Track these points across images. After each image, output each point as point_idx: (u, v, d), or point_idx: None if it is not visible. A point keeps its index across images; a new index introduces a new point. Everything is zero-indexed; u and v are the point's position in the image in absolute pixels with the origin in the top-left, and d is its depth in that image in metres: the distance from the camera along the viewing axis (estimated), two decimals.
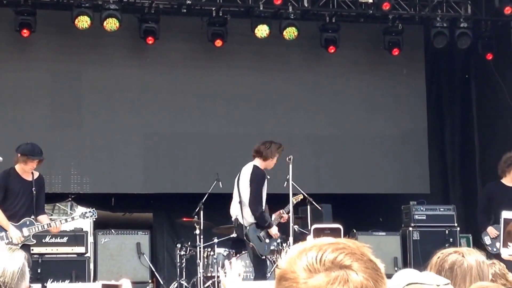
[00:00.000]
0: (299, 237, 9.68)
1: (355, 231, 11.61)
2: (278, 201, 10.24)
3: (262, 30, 12.15)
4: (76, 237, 10.81)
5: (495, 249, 9.54)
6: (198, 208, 10.10)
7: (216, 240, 10.25)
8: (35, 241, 8.84)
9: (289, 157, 9.64)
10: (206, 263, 10.08)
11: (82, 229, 11.05)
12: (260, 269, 9.78)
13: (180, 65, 12.70)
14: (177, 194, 12.30)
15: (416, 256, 11.51)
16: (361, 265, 1.65)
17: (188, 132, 12.56)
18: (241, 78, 12.93)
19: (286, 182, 9.69)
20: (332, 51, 12.66)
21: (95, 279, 10.70)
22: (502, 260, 4.53)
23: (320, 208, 10.73)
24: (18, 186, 8.74)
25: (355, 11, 12.71)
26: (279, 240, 10.57)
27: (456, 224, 11.96)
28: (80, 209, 12.49)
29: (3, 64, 12.07)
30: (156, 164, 12.42)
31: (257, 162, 9.78)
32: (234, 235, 10.04)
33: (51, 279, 9.09)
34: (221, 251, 10.15)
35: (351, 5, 12.59)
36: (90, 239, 11.29)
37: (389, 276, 1.89)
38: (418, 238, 11.71)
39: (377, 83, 13.32)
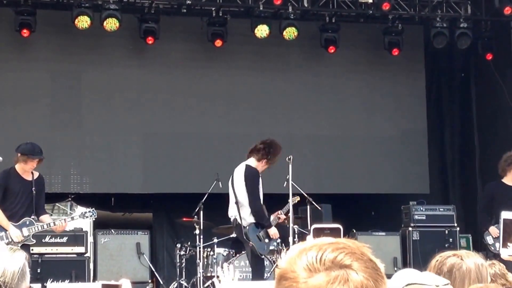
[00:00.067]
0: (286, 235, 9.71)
1: (354, 231, 11.61)
2: (278, 201, 10.25)
3: (262, 30, 12.15)
4: (76, 237, 10.81)
5: (497, 249, 9.54)
6: (198, 208, 10.10)
7: (215, 240, 10.26)
8: (34, 241, 8.84)
9: (289, 157, 9.64)
10: (205, 263, 10.08)
11: (82, 229, 11.05)
12: (258, 270, 9.79)
13: (180, 65, 12.70)
14: (177, 194, 12.30)
15: (415, 256, 11.51)
16: (361, 265, 1.65)
17: (188, 132, 12.56)
18: (241, 78, 12.93)
19: (286, 182, 9.70)
20: (332, 51, 12.66)
21: (95, 279, 10.70)
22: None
23: (320, 208, 10.73)
24: (18, 186, 8.74)
25: (355, 11, 12.72)
26: (278, 240, 10.58)
27: (455, 224, 11.96)
28: (80, 209, 12.47)
29: (3, 64, 12.07)
30: (156, 164, 12.43)
31: (250, 161, 9.80)
32: (233, 235, 10.05)
33: (51, 279, 9.09)
34: (220, 251, 10.15)
35: (351, 5, 12.59)
36: (90, 239, 11.29)
37: (389, 276, 1.90)
38: (418, 238, 11.72)
39: (377, 83, 13.32)
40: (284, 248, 10.00)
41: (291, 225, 9.70)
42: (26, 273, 2.92)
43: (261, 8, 12.11)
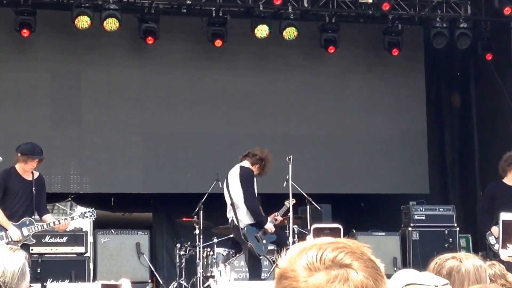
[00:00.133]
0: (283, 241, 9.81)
1: (354, 231, 11.61)
2: (277, 201, 10.26)
3: (262, 30, 12.16)
4: (76, 237, 10.81)
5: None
6: (197, 208, 10.11)
7: (215, 240, 10.27)
8: (34, 241, 8.84)
9: (289, 157, 9.67)
10: (205, 263, 10.08)
11: (81, 229, 11.05)
12: (256, 270, 9.82)
13: (180, 65, 12.70)
14: (177, 194, 12.30)
15: (415, 256, 11.51)
16: (361, 264, 1.65)
17: (188, 132, 12.57)
18: (241, 78, 12.94)
19: (285, 182, 9.71)
20: (332, 51, 12.67)
21: (94, 279, 10.70)
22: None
23: (319, 208, 10.74)
24: (18, 185, 8.74)
25: (355, 12, 12.72)
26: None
27: (455, 224, 11.95)
28: (80, 209, 12.48)
29: (3, 64, 12.07)
30: (156, 164, 12.43)
31: (245, 163, 9.87)
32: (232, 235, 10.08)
33: (51, 279, 9.09)
34: (220, 251, 10.16)
35: (351, 5, 12.60)
36: (90, 239, 11.30)
37: (388, 276, 1.90)
38: (418, 238, 11.72)
39: (376, 83, 13.33)
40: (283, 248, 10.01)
41: (291, 225, 9.72)
42: (26, 273, 2.92)
43: (261, 8, 12.12)
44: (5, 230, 8.57)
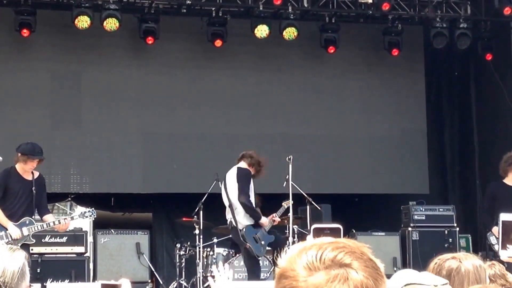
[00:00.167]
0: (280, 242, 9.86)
1: (354, 231, 11.61)
2: (277, 201, 10.27)
3: (261, 30, 12.16)
4: (76, 237, 10.81)
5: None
6: (197, 208, 10.11)
7: (215, 240, 10.27)
8: (34, 241, 8.84)
9: (289, 157, 9.68)
10: (205, 263, 10.09)
11: (81, 229, 11.05)
12: (254, 271, 9.84)
13: (180, 65, 12.70)
14: (177, 194, 12.31)
15: (415, 256, 11.51)
16: (361, 264, 1.66)
17: (187, 132, 12.57)
18: (241, 78, 12.94)
19: (285, 182, 9.72)
20: (332, 51, 12.67)
21: (94, 279, 10.70)
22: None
23: (319, 208, 10.75)
24: (18, 185, 8.73)
25: (354, 12, 12.72)
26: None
27: (455, 224, 11.94)
28: (80, 209, 12.47)
29: (3, 64, 12.07)
30: (156, 164, 12.42)
31: (242, 164, 9.92)
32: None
33: (51, 279, 9.09)
34: (220, 251, 10.17)
35: (351, 6, 12.60)
36: (90, 239, 11.29)
37: (388, 276, 1.90)
38: (417, 238, 11.71)
39: (376, 83, 13.32)
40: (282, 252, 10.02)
41: (290, 225, 9.73)
42: (26, 273, 2.92)
43: (261, 8, 12.12)
44: (5, 229, 8.57)
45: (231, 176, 9.92)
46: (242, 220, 9.83)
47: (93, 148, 12.23)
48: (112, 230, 11.44)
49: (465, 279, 3.50)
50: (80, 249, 10.80)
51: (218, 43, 12.26)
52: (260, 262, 10.14)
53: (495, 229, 9.97)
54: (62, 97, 12.24)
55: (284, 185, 9.75)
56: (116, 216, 13.38)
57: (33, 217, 8.76)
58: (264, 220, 9.87)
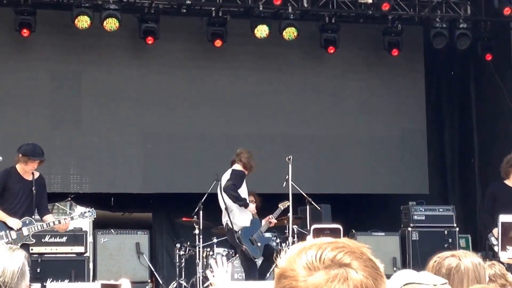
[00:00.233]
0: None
1: (354, 231, 11.61)
2: (277, 201, 10.28)
3: (261, 30, 12.16)
4: (76, 237, 10.81)
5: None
6: (197, 208, 10.11)
7: (215, 240, 10.28)
8: (34, 241, 8.83)
9: (289, 157, 9.68)
10: (205, 263, 10.09)
11: (81, 228, 11.05)
12: (251, 272, 9.86)
13: (180, 65, 12.70)
14: (177, 194, 12.31)
15: (415, 256, 11.51)
16: (361, 264, 1.66)
17: (187, 132, 12.57)
18: (241, 78, 12.94)
19: (285, 182, 9.72)
20: (332, 51, 12.67)
21: (94, 279, 10.71)
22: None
23: (319, 208, 10.75)
24: (18, 185, 8.73)
25: (354, 12, 12.72)
26: (278, 240, 10.61)
27: (455, 225, 11.95)
28: (79, 209, 12.47)
29: (3, 64, 12.07)
30: (156, 164, 12.43)
31: (236, 166, 9.93)
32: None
33: (51, 279, 9.08)
34: (220, 251, 10.17)
35: (351, 6, 12.60)
36: (90, 238, 11.29)
37: (388, 276, 1.90)
38: (417, 238, 11.71)
39: (376, 83, 13.33)
40: (284, 247, 10.04)
41: (290, 225, 9.74)
42: (25, 273, 2.93)
43: (260, 8, 12.12)
44: (5, 229, 8.56)
45: (226, 179, 9.96)
46: (239, 221, 9.86)
47: (93, 148, 12.23)
48: (112, 230, 11.44)
49: (465, 277, 3.50)
50: (80, 249, 10.80)
51: (218, 43, 12.26)
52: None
53: (495, 230, 9.97)
54: (62, 97, 12.24)
55: (284, 185, 9.75)
56: (116, 216, 13.39)
57: (33, 217, 8.76)
58: (251, 208, 9.90)
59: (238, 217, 9.86)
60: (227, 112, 12.75)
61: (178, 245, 10.69)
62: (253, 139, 12.38)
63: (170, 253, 12.17)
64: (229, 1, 12.38)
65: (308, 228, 9.79)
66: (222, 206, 9.92)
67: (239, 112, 12.80)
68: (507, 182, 9.98)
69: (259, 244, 9.92)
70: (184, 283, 10.43)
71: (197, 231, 10.13)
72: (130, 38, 12.32)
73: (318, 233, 7.88)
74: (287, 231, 10.06)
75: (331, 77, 13.22)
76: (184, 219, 10.58)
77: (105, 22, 11.58)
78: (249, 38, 12.36)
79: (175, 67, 12.68)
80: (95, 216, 9.21)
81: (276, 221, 10.21)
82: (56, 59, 12.27)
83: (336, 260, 1.65)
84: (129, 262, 11.36)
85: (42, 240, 10.35)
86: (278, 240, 10.65)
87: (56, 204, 14.09)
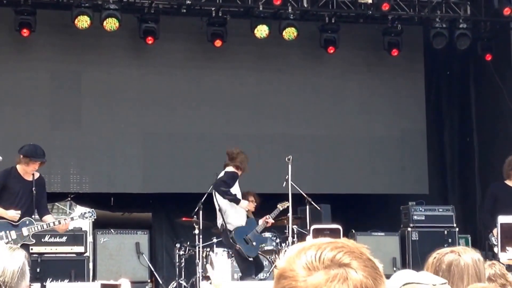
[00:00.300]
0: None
1: (354, 231, 11.61)
2: (277, 201, 10.28)
3: (261, 31, 12.16)
4: (75, 237, 10.81)
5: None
6: (197, 208, 10.11)
7: (215, 240, 10.29)
8: (34, 241, 8.83)
9: (289, 157, 9.68)
10: (205, 263, 10.09)
11: (81, 228, 11.05)
12: (247, 272, 9.86)
13: (180, 65, 12.70)
14: (176, 194, 12.31)
15: (414, 256, 11.51)
16: (360, 264, 1.66)
17: (187, 132, 12.57)
18: (241, 78, 12.94)
19: (285, 182, 9.72)
20: (332, 51, 12.67)
21: (94, 279, 10.71)
22: None
23: (319, 208, 10.75)
24: (18, 186, 8.73)
25: (354, 12, 12.72)
26: (278, 240, 10.61)
27: (455, 225, 11.95)
28: (79, 209, 12.49)
29: (3, 64, 12.07)
30: (156, 164, 12.43)
31: (230, 169, 9.94)
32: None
33: (50, 279, 9.10)
34: (220, 251, 10.16)
35: (351, 6, 12.60)
36: (89, 238, 11.30)
37: (388, 276, 1.90)
38: (417, 238, 11.72)
39: (376, 83, 13.33)
40: (283, 247, 10.05)
41: (290, 225, 9.74)
42: (25, 272, 2.93)
43: (260, 8, 12.12)
44: (5, 230, 8.55)
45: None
46: (233, 221, 9.87)
47: (93, 148, 12.23)
48: (111, 230, 11.44)
49: (465, 272, 3.50)
50: (80, 249, 10.81)
51: (218, 43, 12.26)
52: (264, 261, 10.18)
53: (496, 231, 9.96)
54: (62, 97, 12.24)
55: (283, 185, 9.75)
56: (115, 216, 13.39)
57: (32, 217, 8.76)
58: (244, 204, 9.89)
59: (232, 217, 9.86)
60: (227, 112, 12.76)
61: (178, 245, 10.69)
62: (253, 139, 12.39)
63: (170, 253, 12.18)
64: (229, 1, 12.38)
65: (308, 228, 9.78)
66: (217, 208, 9.93)
67: (239, 112, 12.80)
68: (508, 182, 9.98)
69: (254, 243, 9.92)
70: (184, 283, 10.43)
71: (197, 231, 10.13)
72: (130, 38, 12.32)
73: (318, 233, 7.88)
74: (286, 231, 10.06)
75: (331, 77, 13.22)
76: (184, 219, 10.59)
77: (105, 22, 11.58)
78: (249, 38, 12.36)
79: (175, 67, 12.68)
80: (95, 217, 9.20)
81: (273, 221, 10.21)
82: (56, 59, 12.27)
83: (336, 260, 1.65)
84: (129, 262, 11.36)
85: (42, 240, 10.35)
86: (277, 240, 10.65)
87: (56, 204, 14.11)
